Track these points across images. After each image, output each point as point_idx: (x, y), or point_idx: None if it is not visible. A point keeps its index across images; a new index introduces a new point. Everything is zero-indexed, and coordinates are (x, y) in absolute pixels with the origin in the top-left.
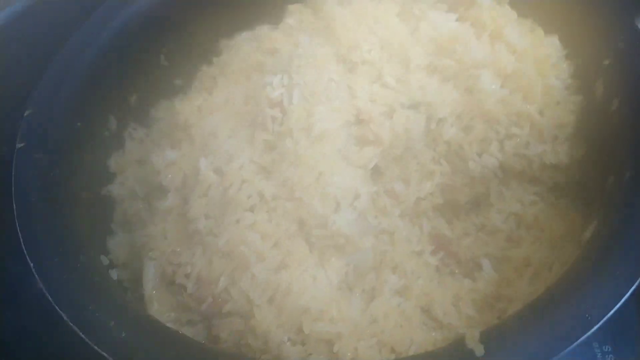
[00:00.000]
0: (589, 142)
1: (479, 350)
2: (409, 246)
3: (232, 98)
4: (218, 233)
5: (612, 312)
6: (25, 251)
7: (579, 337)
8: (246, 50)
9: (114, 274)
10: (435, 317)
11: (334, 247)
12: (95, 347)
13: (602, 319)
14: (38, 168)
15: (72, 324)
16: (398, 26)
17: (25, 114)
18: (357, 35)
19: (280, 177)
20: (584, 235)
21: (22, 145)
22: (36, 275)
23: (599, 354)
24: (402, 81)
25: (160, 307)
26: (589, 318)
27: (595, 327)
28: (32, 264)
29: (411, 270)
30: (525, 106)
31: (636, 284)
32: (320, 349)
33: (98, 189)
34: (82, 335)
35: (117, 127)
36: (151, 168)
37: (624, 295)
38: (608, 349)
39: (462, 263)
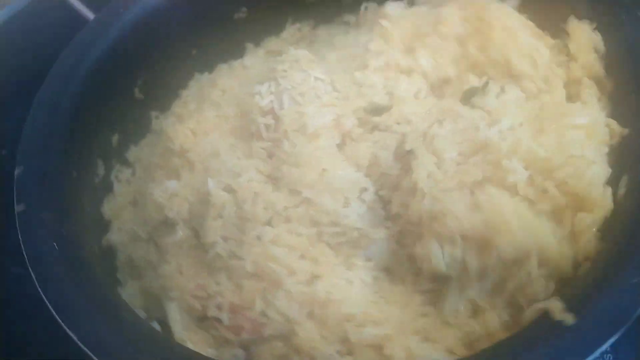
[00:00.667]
0: None
1: (568, 319)
2: None
3: (223, 114)
4: (241, 255)
5: None
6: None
7: None
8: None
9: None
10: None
11: (349, 243)
12: None
13: None
14: (45, 228)
15: None
16: None
17: (16, 173)
18: None
19: (286, 182)
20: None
21: (22, 208)
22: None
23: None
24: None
25: (195, 347)
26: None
27: None
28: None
29: None
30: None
31: None
32: (370, 355)
33: (100, 239)
34: None
35: (105, 171)
36: (152, 204)
37: None
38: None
39: None
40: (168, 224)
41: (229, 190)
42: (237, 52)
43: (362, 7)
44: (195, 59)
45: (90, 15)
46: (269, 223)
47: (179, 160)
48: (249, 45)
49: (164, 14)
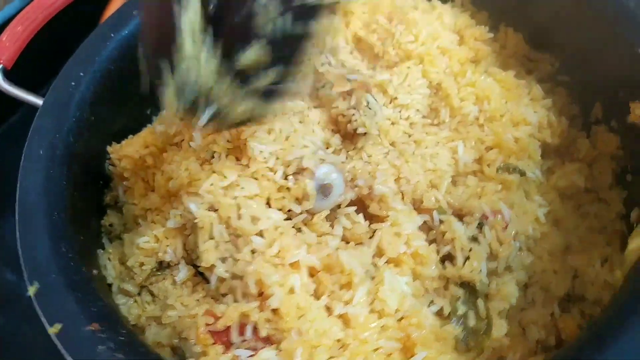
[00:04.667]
0: None
1: None
2: None
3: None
4: (241, 273)
5: None
6: None
7: None
8: None
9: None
10: None
11: None
12: None
13: None
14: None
15: None
16: None
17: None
18: None
19: None
20: None
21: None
22: None
23: None
24: None
25: None
26: None
27: None
28: None
29: None
30: None
31: None
32: None
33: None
34: None
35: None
36: (141, 253)
37: None
38: None
39: None
40: (164, 267)
41: (212, 209)
42: None
43: None
44: None
45: None
46: (260, 234)
47: (159, 200)
48: None
49: None
